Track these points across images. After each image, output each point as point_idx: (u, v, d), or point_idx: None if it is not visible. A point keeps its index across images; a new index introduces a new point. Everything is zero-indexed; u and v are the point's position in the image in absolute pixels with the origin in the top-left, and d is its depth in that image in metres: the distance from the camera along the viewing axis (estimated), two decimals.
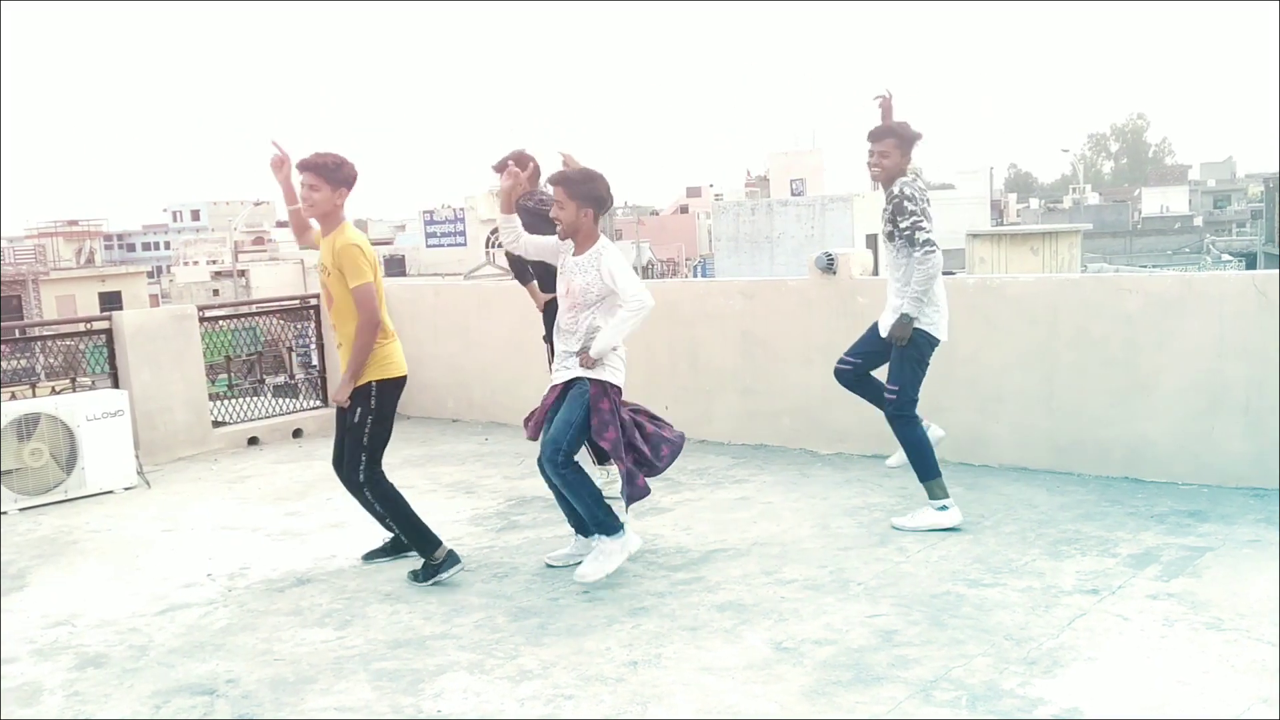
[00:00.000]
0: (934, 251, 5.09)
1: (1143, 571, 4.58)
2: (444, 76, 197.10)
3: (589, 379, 4.79)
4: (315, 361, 9.56)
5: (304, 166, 4.88)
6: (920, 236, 5.10)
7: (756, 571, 4.84)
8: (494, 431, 8.45)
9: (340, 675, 3.98)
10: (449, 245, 49.31)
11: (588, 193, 4.82)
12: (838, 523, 5.50)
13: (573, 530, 5.11)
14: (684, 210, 67.26)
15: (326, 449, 7.99)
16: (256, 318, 9.60)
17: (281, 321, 9.84)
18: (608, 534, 4.85)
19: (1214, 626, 3.98)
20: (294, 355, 11.69)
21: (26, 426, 6.66)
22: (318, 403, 9.18)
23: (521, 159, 6.59)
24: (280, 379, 12.68)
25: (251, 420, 8.72)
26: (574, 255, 4.93)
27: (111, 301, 36.64)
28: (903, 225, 5.16)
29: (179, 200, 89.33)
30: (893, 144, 5.27)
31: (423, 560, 4.96)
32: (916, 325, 5.20)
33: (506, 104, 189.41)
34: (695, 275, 44.07)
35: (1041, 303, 6.22)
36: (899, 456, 5.66)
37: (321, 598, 4.83)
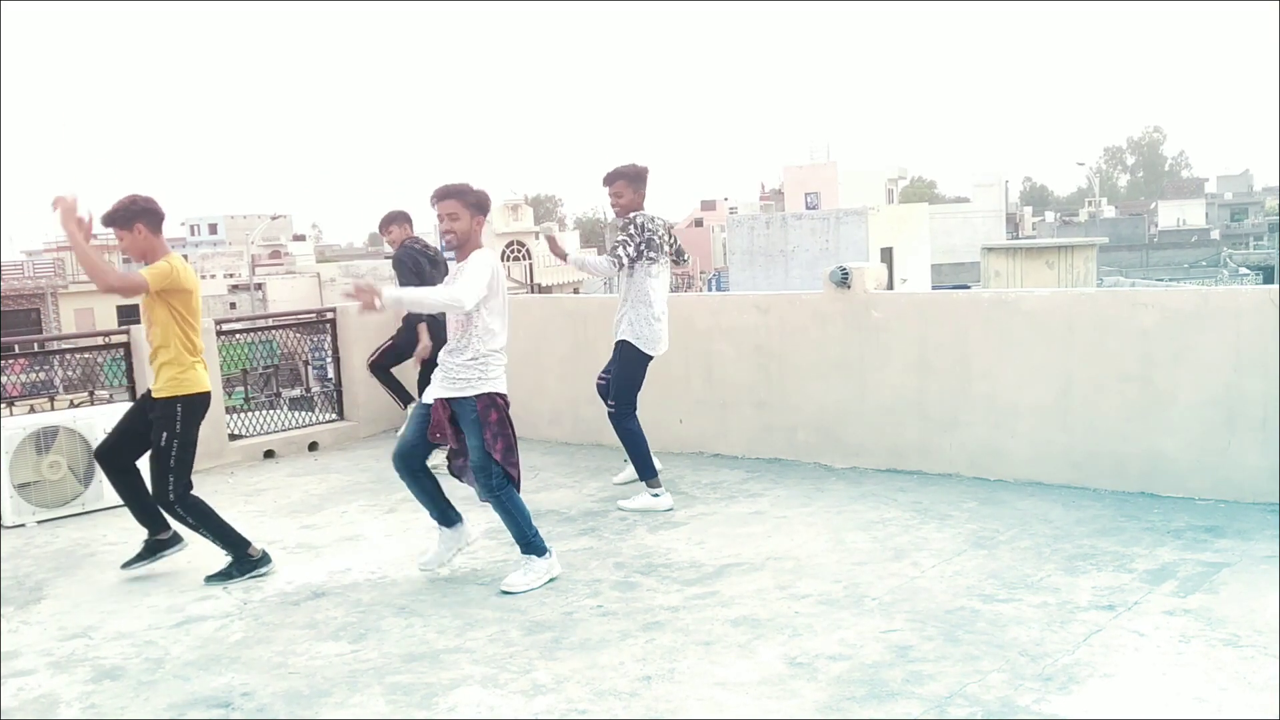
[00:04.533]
0: (618, 266, 6.01)
1: (1159, 587, 4.56)
2: (456, 88, 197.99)
3: (477, 395, 4.91)
4: (331, 374, 9.59)
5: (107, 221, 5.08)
6: (619, 253, 6.00)
7: (770, 586, 4.84)
8: None
9: (354, 689, 3.99)
10: None
11: (477, 202, 4.99)
12: (852, 537, 5.49)
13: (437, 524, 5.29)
14: (699, 223, 67.33)
15: (343, 463, 8.09)
16: (273, 331, 9.65)
17: (298, 335, 9.90)
18: (538, 555, 5.03)
19: (1231, 643, 3.96)
20: (310, 368, 11.78)
21: (45, 439, 6.71)
22: (333, 416, 9.20)
23: (389, 218, 7.88)
24: (296, 392, 12.77)
25: (267, 433, 8.75)
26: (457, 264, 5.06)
27: (129, 315, 36.85)
28: (617, 239, 6.03)
29: (196, 214, 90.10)
30: (624, 184, 6.07)
31: (230, 560, 5.32)
32: (630, 341, 6.08)
33: (520, 116, 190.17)
34: (710, 289, 44.10)
35: (1057, 317, 6.21)
36: (629, 474, 6.49)
37: (336, 611, 4.85)
